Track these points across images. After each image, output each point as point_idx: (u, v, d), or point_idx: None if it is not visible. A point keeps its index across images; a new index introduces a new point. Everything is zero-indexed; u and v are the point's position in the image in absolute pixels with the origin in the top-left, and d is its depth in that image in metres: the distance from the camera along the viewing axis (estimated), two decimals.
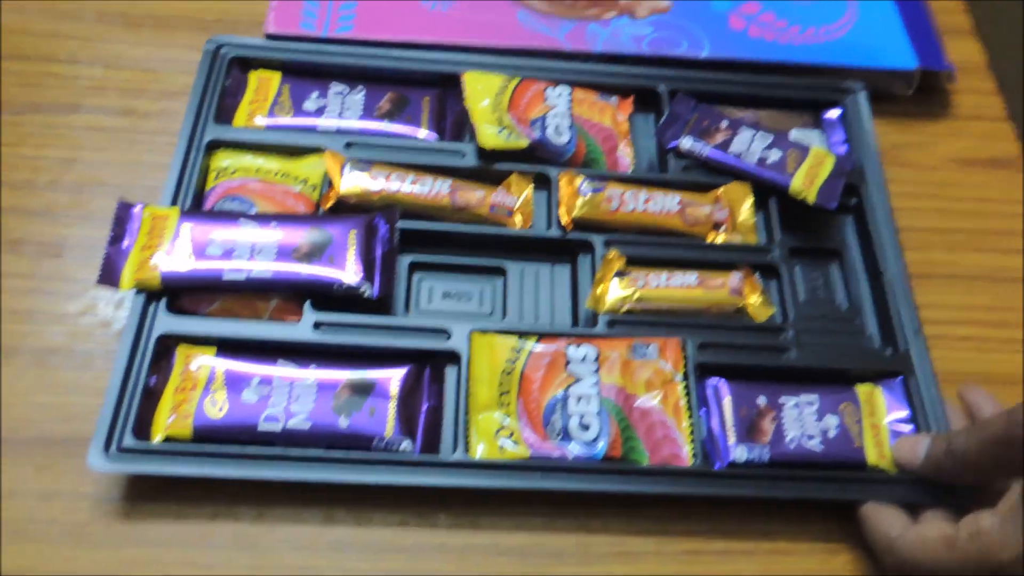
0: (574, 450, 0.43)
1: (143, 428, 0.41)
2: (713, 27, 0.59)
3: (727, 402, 0.45)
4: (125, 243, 0.44)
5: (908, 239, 0.53)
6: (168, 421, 0.41)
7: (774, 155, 0.52)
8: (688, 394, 0.45)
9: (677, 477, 0.43)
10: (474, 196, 0.50)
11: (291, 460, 0.41)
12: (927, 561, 0.38)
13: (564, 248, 0.50)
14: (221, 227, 0.44)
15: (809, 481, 0.43)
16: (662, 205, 0.51)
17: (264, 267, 0.44)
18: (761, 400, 0.46)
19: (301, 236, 0.45)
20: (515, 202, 0.50)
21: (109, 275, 0.43)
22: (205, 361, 0.43)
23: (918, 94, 0.60)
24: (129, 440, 0.40)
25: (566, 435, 0.43)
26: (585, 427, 0.43)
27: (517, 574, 0.41)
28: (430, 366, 0.45)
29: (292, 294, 0.44)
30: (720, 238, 0.51)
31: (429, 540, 0.42)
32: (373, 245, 0.45)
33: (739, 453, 0.44)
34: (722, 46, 0.58)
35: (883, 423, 0.46)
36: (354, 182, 0.48)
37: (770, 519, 0.44)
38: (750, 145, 0.52)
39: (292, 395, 0.42)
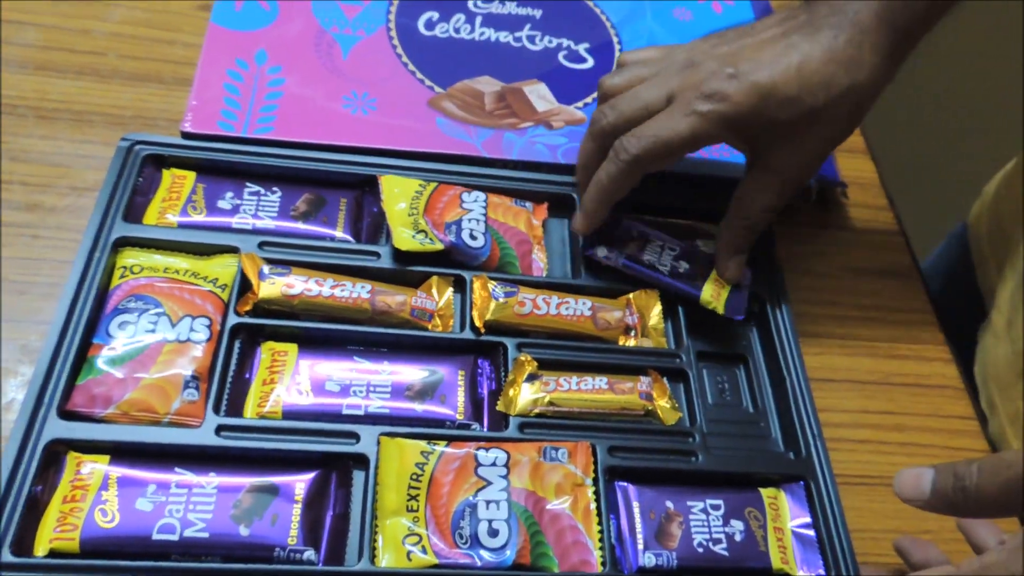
0: (482, 558, 0.42)
1: (25, 542, 0.39)
2: None
3: (635, 506, 0.46)
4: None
5: (808, 344, 0.55)
6: (53, 534, 0.39)
7: (683, 266, 0.54)
8: (598, 499, 0.45)
9: None
10: (394, 300, 0.50)
11: (185, 574, 0.39)
12: None
13: (476, 350, 0.50)
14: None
15: None
16: (574, 309, 0.52)
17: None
18: (669, 504, 0.46)
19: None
20: (435, 305, 0.51)
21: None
22: (97, 468, 0.41)
23: (816, 206, 0.64)
24: (7, 556, 0.38)
25: (475, 542, 0.43)
26: (494, 533, 0.43)
27: None
28: (337, 471, 0.44)
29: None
30: (630, 342, 0.52)
31: None
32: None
33: (647, 559, 0.44)
34: None
35: (787, 527, 0.47)
36: (273, 286, 0.48)
37: None
38: (660, 256, 0.54)
39: (190, 503, 0.41)
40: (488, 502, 0.44)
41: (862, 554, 0.46)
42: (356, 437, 0.45)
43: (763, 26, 0.48)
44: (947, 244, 0.73)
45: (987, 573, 0.35)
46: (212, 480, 0.42)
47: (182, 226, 0.50)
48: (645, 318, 0.53)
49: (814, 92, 0.46)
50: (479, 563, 0.42)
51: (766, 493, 0.48)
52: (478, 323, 0.50)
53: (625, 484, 0.46)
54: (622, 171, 0.49)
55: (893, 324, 0.60)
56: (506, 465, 0.45)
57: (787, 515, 0.47)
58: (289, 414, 0.45)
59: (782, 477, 0.49)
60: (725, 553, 0.45)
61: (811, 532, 0.47)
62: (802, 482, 0.48)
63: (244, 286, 0.48)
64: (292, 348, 0.47)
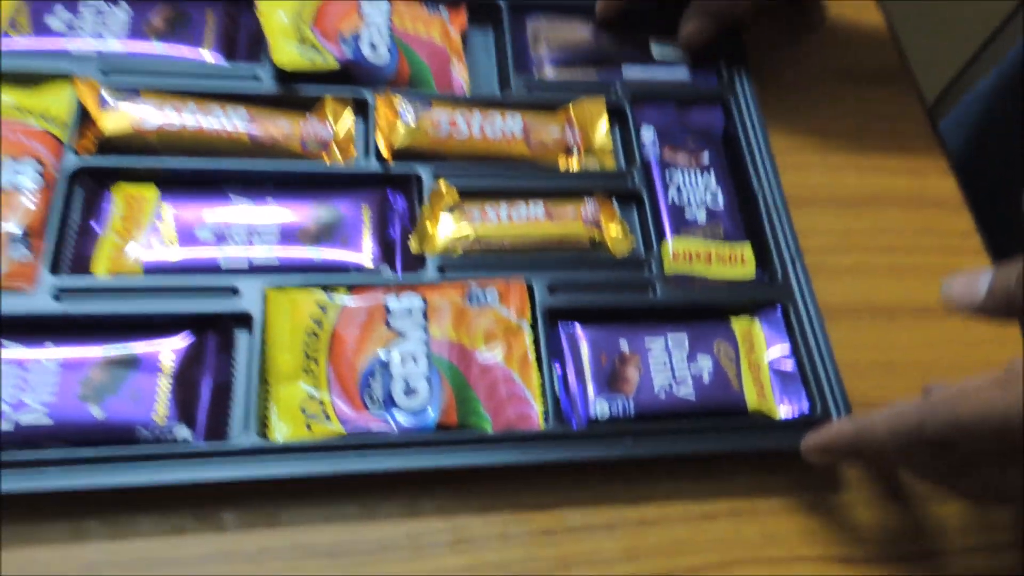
0: (400, 421, 0.35)
1: None
2: None
3: (584, 350, 0.38)
4: None
5: (785, 162, 0.46)
6: None
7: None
8: (537, 345, 0.38)
9: (525, 443, 0.35)
10: (279, 129, 0.41)
11: (23, 466, 0.32)
12: (973, 412, 0.30)
13: (385, 181, 0.41)
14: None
15: (681, 435, 0.37)
16: (502, 129, 0.43)
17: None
18: (623, 345, 0.39)
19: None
20: (331, 132, 0.42)
21: None
22: None
23: (790, 5, 0.54)
24: None
25: (389, 403, 0.35)
26: (411, 392, 0.36)
27: None
28: (215, 334, 0.36)
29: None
30: (572, 164, 0.44)
31: (213, 547, 0.33)
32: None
33: (600, 408, 0.37)
34: None
35: (763, 361, 0.40)
36: (121, 117, 0.39)
37: (637, 483, 0.37)
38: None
39: (25, 383, 0.33)
40: (404, 357, 0.36)
41: (848, 392, 0.39)
42: (235, 292, 0.36)
43: None
44: (1000, 68, 0.63)
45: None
46: (52, 354, 0.34)
47: (2, 53, 0.40)
48: (589, 135, 0.45)
49: None
50: (395, 427, 0.35)
51: (737, 324, 0.40)
52: (385, 150, 0.41)
53: (570, 326, 0.39)
54: None
55: (882, 135, 0.52)
56: (423, 313, 0.37)
57: (763, 347, 0.40)
58: (152, 270, 0.37)
59: (755, 304, 0.41)
60: (692, 396, 0.38)
61: (791, 364, 0.40)
62: (779, 307, 0.41)
63: (85, 120, 0.39)
64: (151, 191, 0.39)
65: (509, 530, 0.35)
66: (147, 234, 0.37)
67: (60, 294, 0.35)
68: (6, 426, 0.32)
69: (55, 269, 0.35)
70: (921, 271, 0.47)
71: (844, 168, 0.50)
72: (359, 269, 0.39)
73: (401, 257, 0.40)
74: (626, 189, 0.43)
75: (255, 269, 0.38)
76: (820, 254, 0.45)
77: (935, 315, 0.45)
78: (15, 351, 0.33)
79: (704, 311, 0.40)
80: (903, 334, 0.44)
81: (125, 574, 0.32)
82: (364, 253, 0.39)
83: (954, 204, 0.50)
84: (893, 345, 0.44)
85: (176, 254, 0.37)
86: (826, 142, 0.51)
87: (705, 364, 0.39)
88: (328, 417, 0.35)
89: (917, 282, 0.46)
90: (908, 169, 0.51)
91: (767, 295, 0.41)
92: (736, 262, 0.42)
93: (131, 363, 0.34)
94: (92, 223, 0.37)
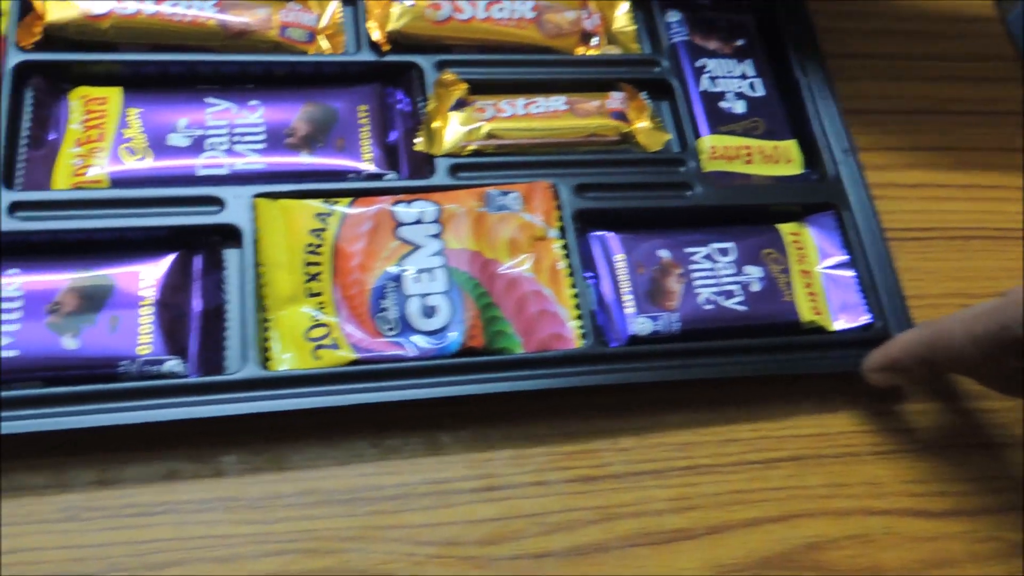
0: (418, 345, 0.31)
1: None
2: None
3: (619, 259, 0.34)
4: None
5: (838, 68, 0.41)
6: None
7: None
8: (568, 254, 0.33)
9: (563, 365, 0.31)
10: (255, 16, 0.35)
11: None
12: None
13: (380, 75, 0.36)
14: None
15: (733, 354, 0.33)
16: (511, 11, 0.38)
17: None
18: (663, 253, 0.34)
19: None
20: (316, 20, 0.36)
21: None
22: None
23: None
24: None
25: (405, 326, 0.31)
26: (430, 312, 0.31)
27: (344, 527, 0.29)
28: (201, 252, 0.32)
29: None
30: (592, 51, 0.39)
31: (213, 492, 0.29)
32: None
33: (641, 325, 0.33)
34: None
35: (815, 269, 0.36)
36: (67, 4, 0.33)
37: (685, 417, 0.33)
38: None
39: None
40: (419, 272, 0.32)
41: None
42: (219, 203, 0.32)
43: None
44: None
45: None
46: (13, 280, 0.29)
47: None
48: (609, 18, 0.40)
49: None
50: (414, 352, 0.31)
51: (785, 229, 0.36)
52: (379, 38, 0.36)
53: (603, 233, 0.35)
54: None
55: (950, 39, 0.46)
56: (437, 221, 0.33)
57: (815, 254, 0.36)
58: (121, 182, 0.32)
59: (804, 207, 0.37)
60: (743, 307, 0.34)
61: (849, 272, 0.36)
62: (831, 211, 0.37)
63: (27, 10, 0.33)
64: (114, 93, 0.33)
65: (546, 476, 0.31)
66: (113, 142, 0.32)
67: (15, 209, 0.30)
68: None
69: (8, 183, 0.30)
70: (997, 191, 0.42)
71: (907, 76, 0.44)
72: (359, 174, 0.34)
73: (407, 161, 0.35)
74: (653, 78, 0.38)
75: (237, 176, 0.33)
76: (883, 171, 0.40)
77: (1015, 239, 0.40)
78: None
79: (749, 213, 0.36)
80: (979, 260, 0.39)
81: (113, 522, 0.28)
82: (364, 157, 0.34)
83: None
84: (968, 273, 0.39)
85: (147, 164, 0.32)
86: (884, 47, 0.45)
87: (754, 273, 0.35)
88: (337, 344, 0.30)
89: (992, 203, 0.41)
90: (981, 75, 0.45)
91: (816, 195, 0.37)
92: (781, 160, 0.38)
93: (106, 288, 0.29)
94: (50, 134, 0.32)
